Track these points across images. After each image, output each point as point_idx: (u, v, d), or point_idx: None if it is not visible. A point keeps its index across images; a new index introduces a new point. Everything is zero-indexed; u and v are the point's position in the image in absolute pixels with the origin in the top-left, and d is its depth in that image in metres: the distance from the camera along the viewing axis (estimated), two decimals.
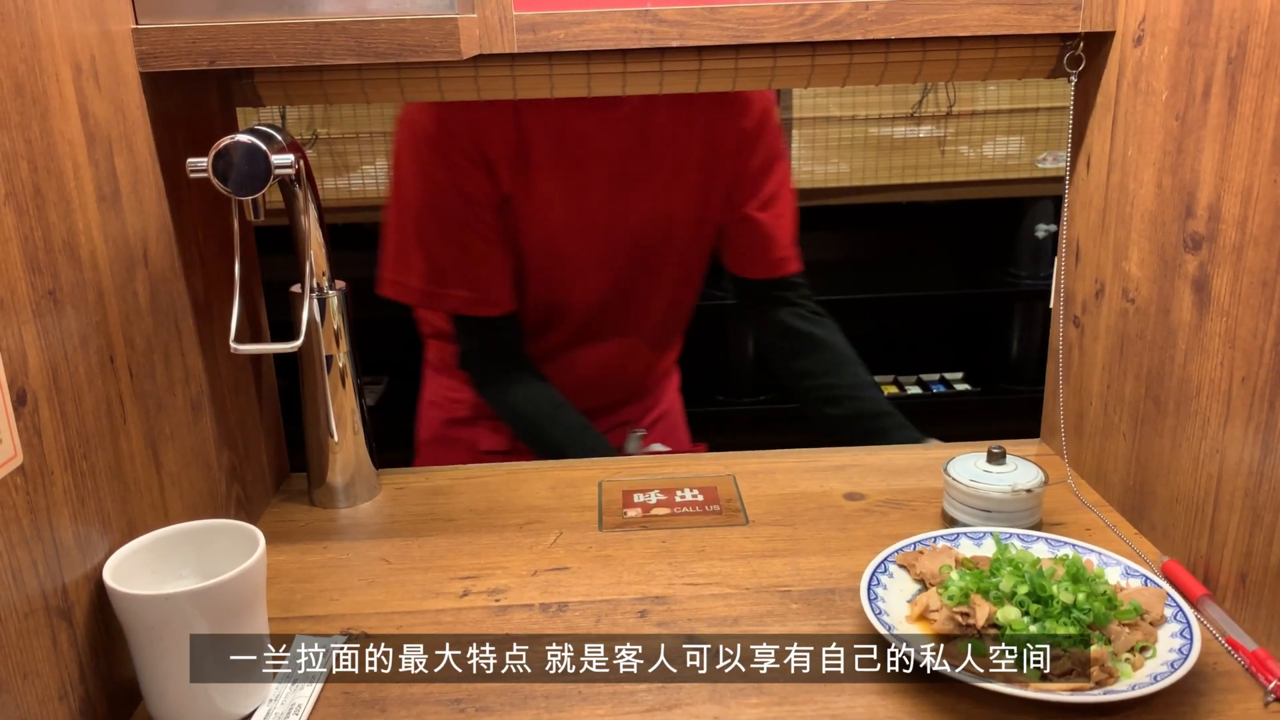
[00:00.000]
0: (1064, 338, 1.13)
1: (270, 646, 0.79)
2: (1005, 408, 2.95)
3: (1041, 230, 2.90)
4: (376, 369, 3.00)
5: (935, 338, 3.21)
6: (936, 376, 3.03)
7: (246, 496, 1.05)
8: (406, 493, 1.14)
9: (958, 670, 0.74)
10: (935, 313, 3.23)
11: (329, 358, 1.07)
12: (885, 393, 2.94)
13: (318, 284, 1.04)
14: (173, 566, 0.80)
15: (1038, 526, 0.98)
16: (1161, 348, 0.93)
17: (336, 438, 1.10)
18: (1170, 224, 0.91)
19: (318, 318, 1.06)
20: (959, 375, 3.05)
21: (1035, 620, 0.78)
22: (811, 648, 0.83)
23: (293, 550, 1.02)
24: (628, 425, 1.43)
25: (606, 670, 0.80)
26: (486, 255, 1.26)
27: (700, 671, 0.80)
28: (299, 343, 0.93)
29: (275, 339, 1.04)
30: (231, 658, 0.75)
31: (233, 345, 0.89)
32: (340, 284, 1.07)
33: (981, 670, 0.75)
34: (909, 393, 2.94)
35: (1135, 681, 0.73)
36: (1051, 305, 1.17)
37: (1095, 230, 1.06)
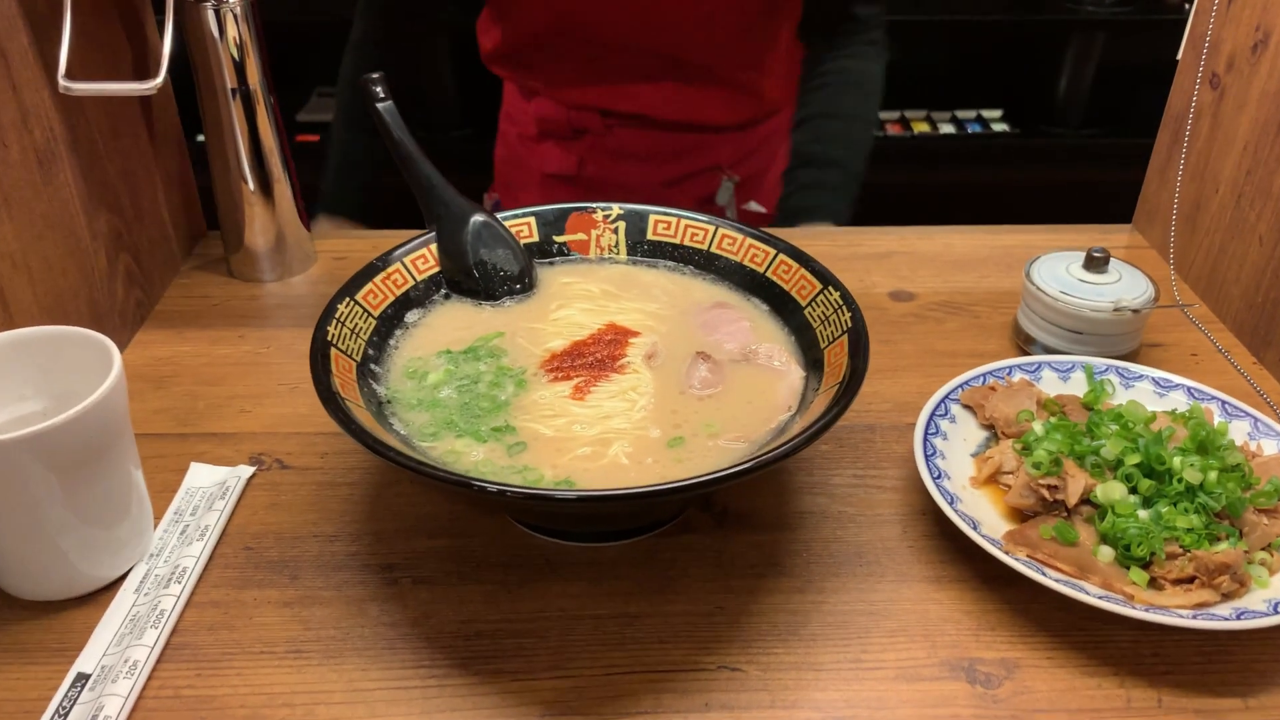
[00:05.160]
0: (1195, 101, 0.87)
1: (145, 489, 0.61)
2: (1044, 153, 2.68)
3: None
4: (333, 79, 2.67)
5: (975, 69, 2.87)
6: (973, 114, 2.73)
7: (140, 268, 0.84)
8: (348, 264, 0.92)
9: (1042, 571, 0.56)
10: (978, 41, 2.87)
11: (234, 89, 0.82)
12: (915, 130, 2.67)
13: None
14: (13, 385, 0.60)
15: (1135, 353, 0.78)
16: None
17: (252, 185, 0.86)
18: None
19: (215, 31, 0.79)
20: (998, 114, 2.75)
21: (1146, 502, 0.60)
22: (845, 510, 0.65)
23: (199, 338, 0.82)
24: (719, 170, 1.17)
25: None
26: None
27: (700, 544, 0.62)
28: (158, 81, 0.68)
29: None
30: (90, 512, 0.57)
31: (62, 83, 0.64)
32: None
33: (1070, 569, 0.57)
34: (942, 132, 2.65)
35: (1275, 598, 0.55)
36: (1179, 55, 0.90)
37: None
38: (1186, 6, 0.80)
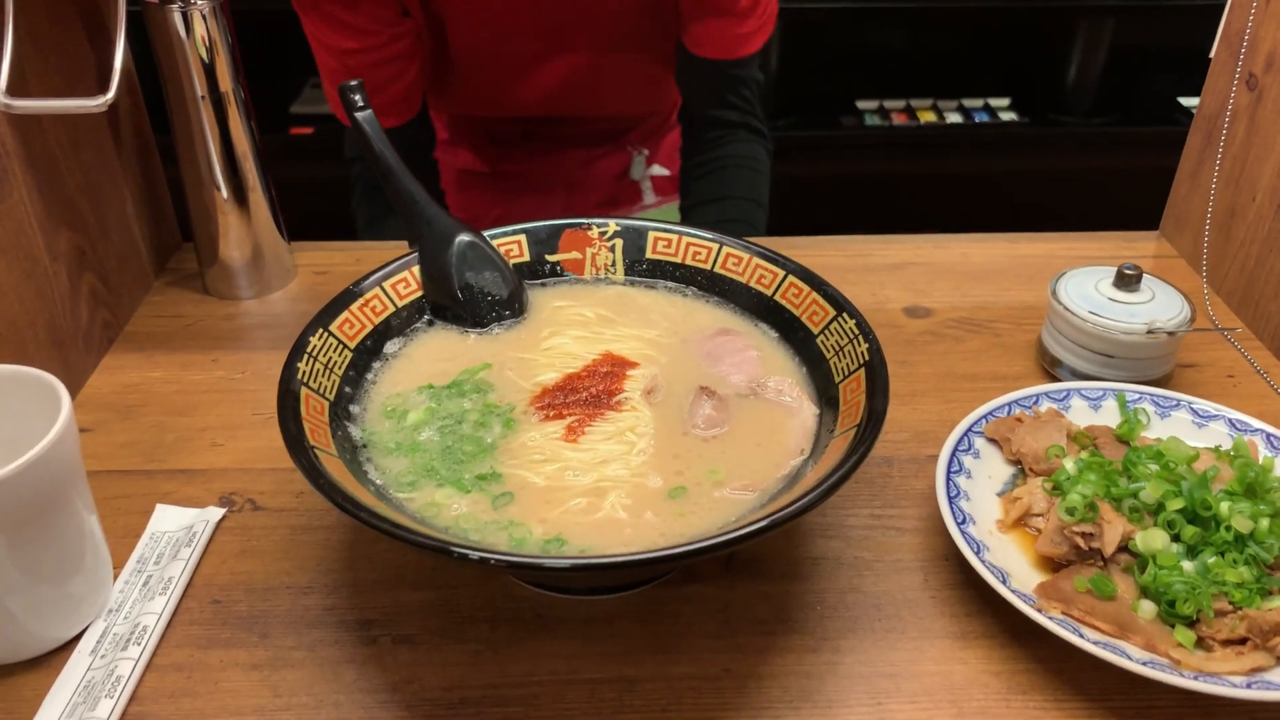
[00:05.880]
0: (1231, 102, 0.82)
1: (102, 538, 0.56)
2: (1053, 142, 2.62)
3: None
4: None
5: (983, 57, 2.80)
6: (980, 103, 2.67)
7: (107, 287, 0.78)
8: (330, 279, 0.87)
9: (1078, 632, 0.51)
10: (985, 27, 2.80)
11: (204, 94, 0.77)
12: (921, 119, 2.61)
13: None
14: None
15: (1168, 376, 0.73)
16: None
17: (226, 194, 0.81)
18: None
19: (181, 33, 0.74)
20: (1005, 103, 2.68)
21: (1190, 551, 0.55)
22: (861, 556, 0.60)
23: (170, 362, 0.77)
24: (629, 147, 1.15)
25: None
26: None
27: (706, 595, 0.58)
28: (108, 98, 0.62)
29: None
30: (40, 568, 0.52)
31: (2, 100, 0.59)
32: None
33: (1109, 628, 0.52)
34: (949, 121, 2.59)
35: None
36: (1213, 53, 0.85)
37: None
38: None
